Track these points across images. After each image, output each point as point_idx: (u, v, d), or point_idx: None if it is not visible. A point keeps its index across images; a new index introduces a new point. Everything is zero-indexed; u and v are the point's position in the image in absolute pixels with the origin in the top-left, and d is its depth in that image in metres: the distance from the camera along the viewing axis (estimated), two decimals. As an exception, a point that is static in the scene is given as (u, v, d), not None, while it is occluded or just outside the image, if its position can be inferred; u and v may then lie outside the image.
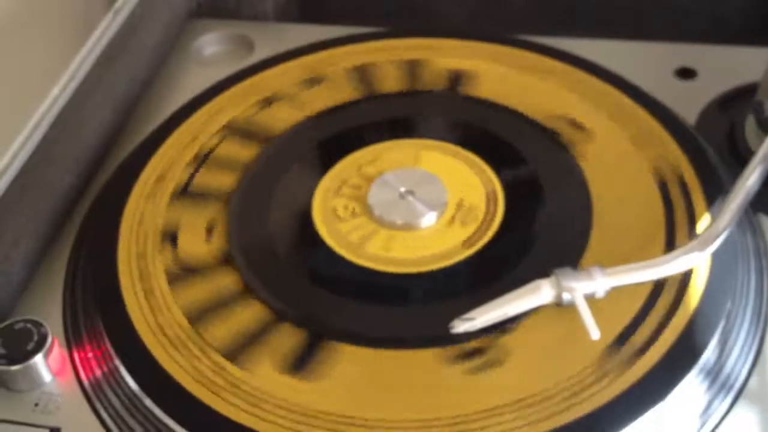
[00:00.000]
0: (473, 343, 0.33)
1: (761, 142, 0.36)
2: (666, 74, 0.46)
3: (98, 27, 0.49)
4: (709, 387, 0.32)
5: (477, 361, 0.33)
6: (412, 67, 0.46)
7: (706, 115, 0.44)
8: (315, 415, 0.31)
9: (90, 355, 0.35)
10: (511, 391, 0.32)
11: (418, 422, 0.31)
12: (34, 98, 0.44)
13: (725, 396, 0.33)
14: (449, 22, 0.57)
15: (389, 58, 0.47)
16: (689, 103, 0.44)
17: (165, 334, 0.34)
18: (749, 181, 0.35)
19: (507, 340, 0.33)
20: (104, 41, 0.49)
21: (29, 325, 0.34)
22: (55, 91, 0.45)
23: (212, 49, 0.52)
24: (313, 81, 0.46)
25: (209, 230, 0.39)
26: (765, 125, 0.40)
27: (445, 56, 0.47)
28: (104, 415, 0.33)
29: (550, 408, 0.31)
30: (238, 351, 0.34)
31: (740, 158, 0.40)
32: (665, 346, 0.33)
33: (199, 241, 0.38)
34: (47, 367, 0.34)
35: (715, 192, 0.38)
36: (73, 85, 0.46)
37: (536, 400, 0.31)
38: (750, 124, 0.41)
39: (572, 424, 0.30)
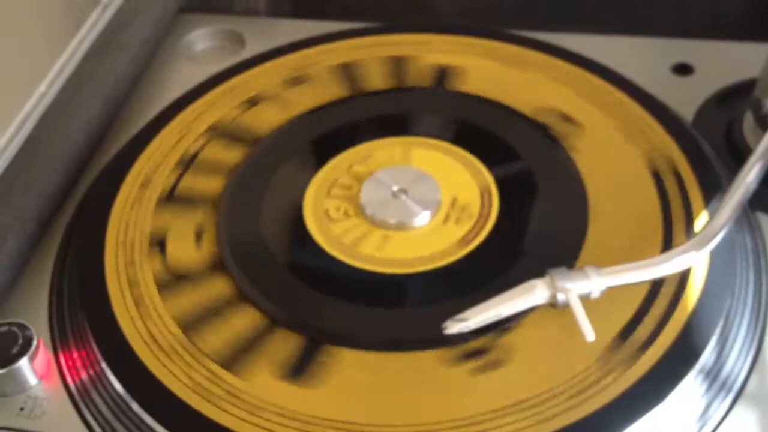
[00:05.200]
0: (474, 343, 0.33)
1: (759, 139, 0.36)
2: (663, 70, 0.46)
3: (86, 22, 0.48)
4: (709, 388, 0.32)
5: (479, 362, 0.32)
6: (401, 64, 0.46)
7: (703, 111, 0.43)
8: (316, 422, 0.31)
9: (76, 358, 0.34)
10: (512, 393, 0.31)
11: (421, 426, 0.31)
12: (21, 95, 0.43)
13: (725, 397, 0.32)
14: (445, 17, 0.57)
15: (379, 55, 0.46)
16: (686, 99, 0.44)
17: (155, 339, 0.33)
18: (747, 178, 0.35)
19: (508, 340, 0.33)
20: (92, 36, 0.48)
21: (14, 328, 0.34)
22: (42, 88, 0.44)
23: (203, 44, 0.52)
24: (301, 79, 0.45)
25: (198, 235, 0.38)
26: (763, 122, 0.39)
27: (435, 52, 0.46)
28: (91, 420, 0.33)
29: (548, 411, 0.30)
30: (233, 359, 0.33)
31: (738, 155, 0.40)
32: (664, 346, 0.32)
33: (188, 246, 0.37)
34: (33, 370, 0.33)
35: (713, 190, 0.37)
36: (61, 81, 0.45)
37: (534, 402, 0.31)
38: (748, 121, 0.41)
39: (571, 427, 0.30)
